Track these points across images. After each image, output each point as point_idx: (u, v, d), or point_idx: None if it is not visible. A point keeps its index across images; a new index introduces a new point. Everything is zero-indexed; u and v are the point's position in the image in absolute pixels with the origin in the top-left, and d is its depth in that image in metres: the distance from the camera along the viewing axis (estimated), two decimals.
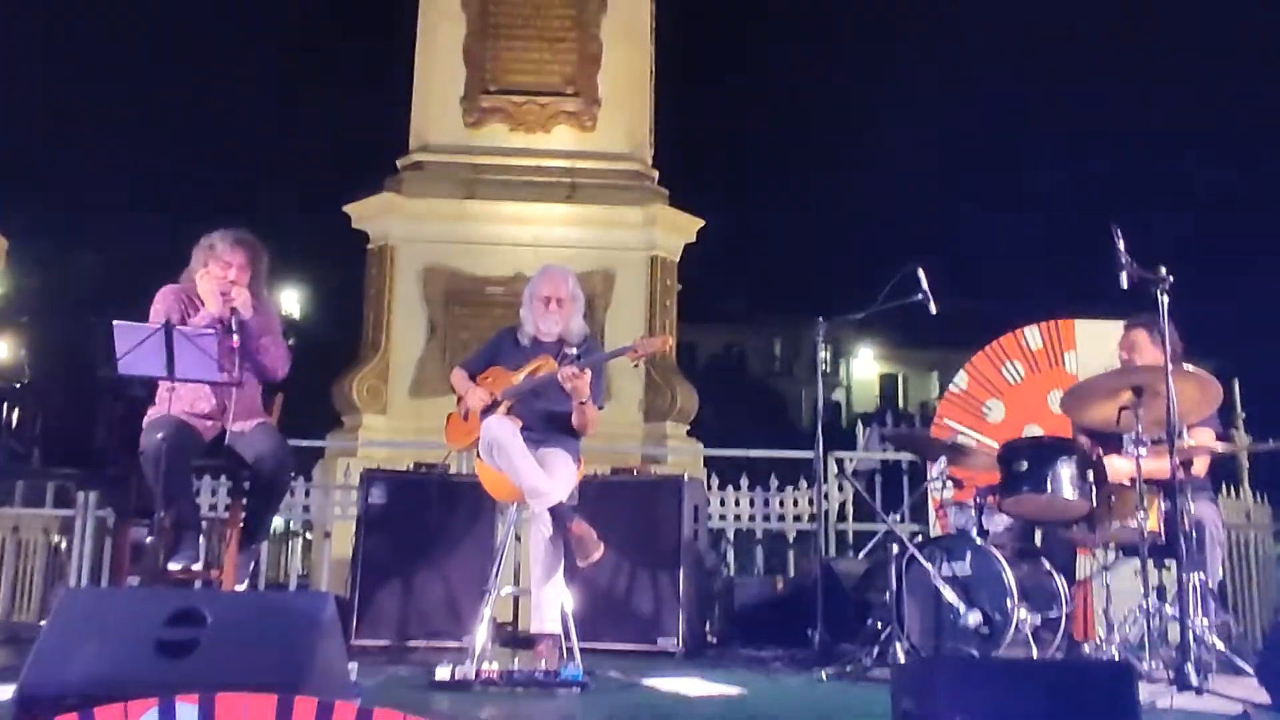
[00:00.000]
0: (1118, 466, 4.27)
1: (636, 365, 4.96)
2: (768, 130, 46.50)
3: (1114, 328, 6.47)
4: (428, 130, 8.49)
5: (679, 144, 10.43)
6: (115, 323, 3.92)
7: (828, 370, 41.11)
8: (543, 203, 8.17)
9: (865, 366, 44.20)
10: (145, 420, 4.24)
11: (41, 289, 24.51)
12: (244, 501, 4.47)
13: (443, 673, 3.71)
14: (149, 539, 4.02)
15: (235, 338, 4.20)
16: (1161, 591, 4.12)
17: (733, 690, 3.88)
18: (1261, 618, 6.91)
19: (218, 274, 4.36)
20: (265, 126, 36.26)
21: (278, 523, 9.03)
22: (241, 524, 4.43)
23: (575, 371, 4.16)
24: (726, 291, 36.87)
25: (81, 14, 32.73)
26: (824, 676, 4.21)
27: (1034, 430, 6.30)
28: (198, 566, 4.22)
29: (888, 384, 44.52)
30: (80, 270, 24.52)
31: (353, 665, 3.21)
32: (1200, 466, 4.38)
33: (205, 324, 4.25)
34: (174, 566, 4.12)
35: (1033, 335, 6.61)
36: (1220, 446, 4.46)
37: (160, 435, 4.05)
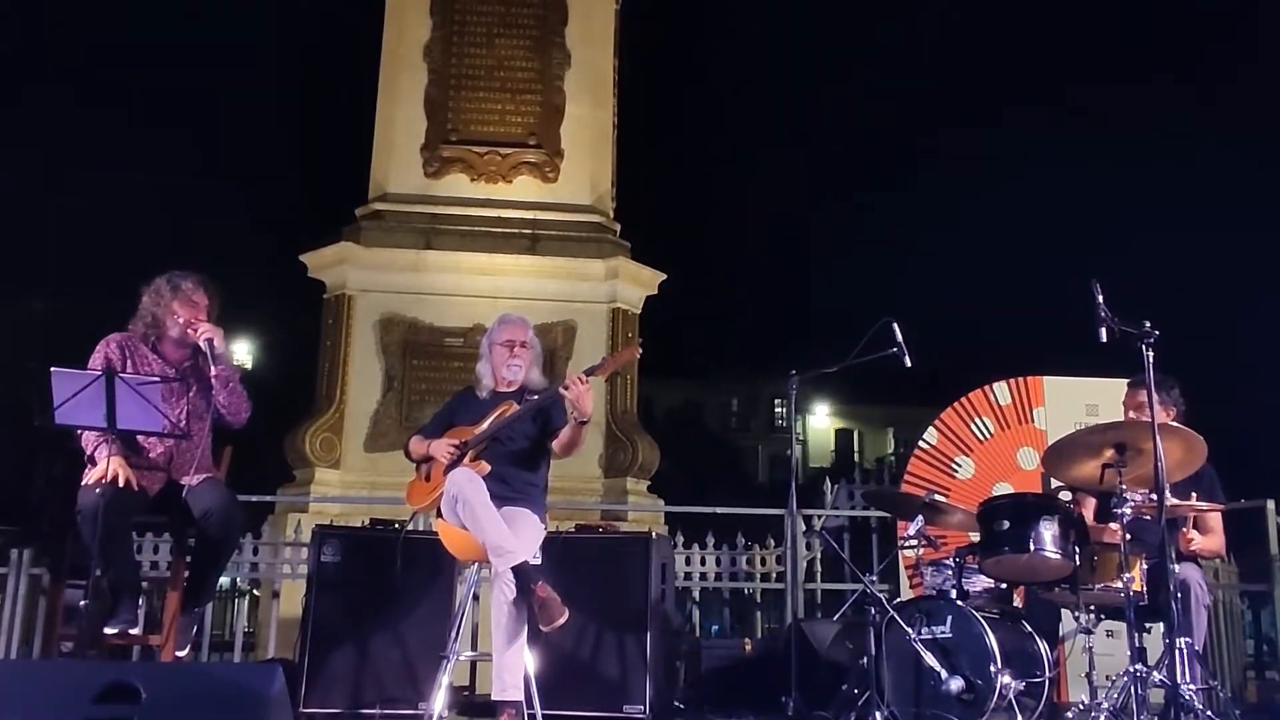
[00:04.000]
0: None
1: (606, 379, 4.82)
2: (727, 187, 47.06)
3: (1082, 384, 6.49)
4: (387, 179, 8.35)
5: (639, 198, 10.40)
6: (53, 369, 3.71)
7: (784, 425, 41.21)
8: (503, 254, 8.04)
9: (820, 423, 44.34)
10: (85, 475, 4.01)
11: None
12: (188, 560, 4.24)
13: None
14: (84, 602, 3.76)
15: (214, 367, 4.10)
16: (1143, 654, 3.99)
17: None
18: (1231, 679, 6.82)
19: (182, 315, 4.19)
20: (220, 172, 35.98)
21: (224, 580, 8.69)
22: (185, 585, 4.20)
23: (581, 376, 4.04)
24: (684, 348, 36.95)
25: (41, 64, 32.41)
26: None
27: (1004, 488, 6.21)
28: (136, 631, 4.04)
29: (843, 440, 44.67)
30: (28, 318, 23.92)
31: None
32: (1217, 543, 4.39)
33: (158, 371, 4.07)
34: (111, 631, 3.92)
35: (1001, 391, 6.54)
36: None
37: (99, 491, 3.82)
